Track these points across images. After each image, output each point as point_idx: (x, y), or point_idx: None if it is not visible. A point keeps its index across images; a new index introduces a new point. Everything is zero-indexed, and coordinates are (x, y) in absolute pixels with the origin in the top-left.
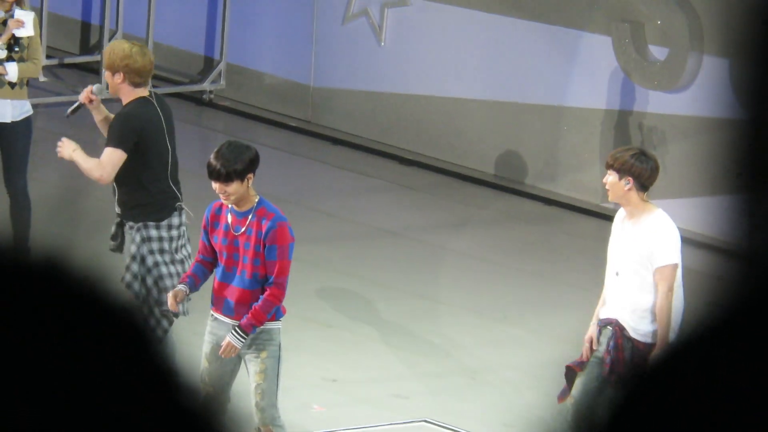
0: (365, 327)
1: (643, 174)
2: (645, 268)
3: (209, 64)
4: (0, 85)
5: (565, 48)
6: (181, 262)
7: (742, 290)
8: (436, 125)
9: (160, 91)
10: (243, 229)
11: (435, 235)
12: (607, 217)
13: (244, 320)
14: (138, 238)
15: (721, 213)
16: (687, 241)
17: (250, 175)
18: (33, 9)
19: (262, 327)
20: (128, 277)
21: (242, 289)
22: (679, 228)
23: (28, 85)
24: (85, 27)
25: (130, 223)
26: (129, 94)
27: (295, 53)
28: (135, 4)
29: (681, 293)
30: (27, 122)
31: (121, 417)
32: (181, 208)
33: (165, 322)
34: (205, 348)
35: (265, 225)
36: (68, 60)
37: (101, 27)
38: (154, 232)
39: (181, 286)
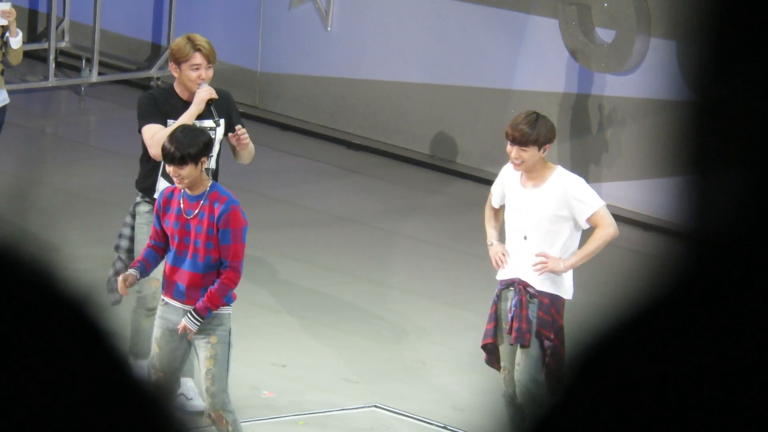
0: (315, 312)
1: (553, 136)
2: (559, 223)
3: (156, 50)
4: None
5: (511, 31)
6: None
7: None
8: (383, 109)
9: (108, 78)
10: (195, 213)
11: (385, 220)
12: None
13: (199, 303)
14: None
15: (669, 195)
16: (635, 223)
17: (204, 159)
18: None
19: (213, 313)
20: (123, 241)
21: (194, 273)
22: (626, 210)
23: (2, 74)
24: (33, 15)
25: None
26: None
27: (242, 39)
28: None
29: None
30: (2, 111)
31: (70, 406)
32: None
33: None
34: (156, 333)
35: (218, 209)
36: None
37: (48, 15)
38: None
39: (131, 271)
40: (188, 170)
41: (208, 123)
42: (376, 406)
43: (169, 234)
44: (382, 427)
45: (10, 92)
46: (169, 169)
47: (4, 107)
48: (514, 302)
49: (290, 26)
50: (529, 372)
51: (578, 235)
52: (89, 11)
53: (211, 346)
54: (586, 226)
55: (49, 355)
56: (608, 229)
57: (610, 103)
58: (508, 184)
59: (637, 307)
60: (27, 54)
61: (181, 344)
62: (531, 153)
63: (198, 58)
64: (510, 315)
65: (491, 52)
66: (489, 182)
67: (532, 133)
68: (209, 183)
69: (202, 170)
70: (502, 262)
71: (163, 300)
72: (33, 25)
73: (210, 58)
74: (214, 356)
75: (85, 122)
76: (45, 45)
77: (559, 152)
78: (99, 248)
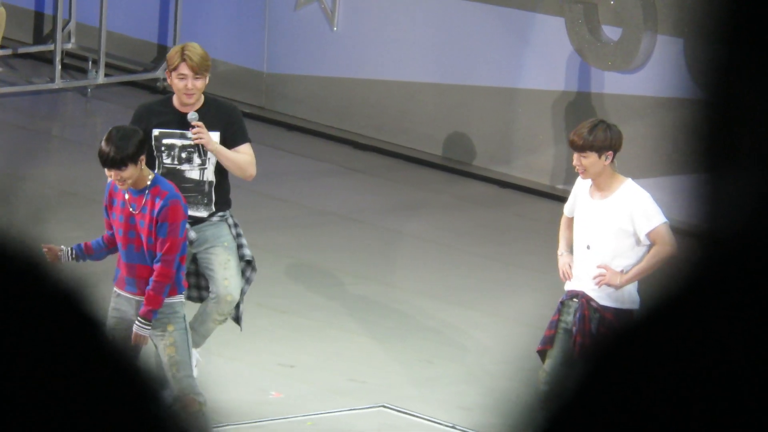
0: (321, 312)
1: (618, 143)
2: (622, 237)
3: (162, 52)
4: None
5: (517, 30)
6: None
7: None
8: (389, 109)
9: (114, 80)
10: (138, 208)
11: (389, 220)
12: (560, 199)
13: (141, 309)
14: (231, 222)
15: (676, 193)
16: None
17: (142, 157)
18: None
19: (167, 302)
20: (246, 261)
21: (141, 266)
22: None
23: None
24: (39, 17)
25: (220, 214)
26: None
27: (248, 40)
28: None
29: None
30: None
31: (64, 397)
32: None
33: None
34: (110, 323)
35: (159, 203)
36: (22, 50)
37: (54, 17)
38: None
39: (63, 247)
40: (129, 171)
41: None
42: (384, 406)
43: (114, 227)
44: (390, 428)
45: (15, 94)
46: (110, 173)
47: None
48: (578, 316)
49: (296, 27)
50: None
51: (642, 251)
52: (95, 13)
53: (169, 334)
54: (646, 242)
55: (42, 347)
56: (666, 247)
57: (617, 101)
58: (579, 194)
59: (650, 307)
60: (33, 56)
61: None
62: (591, 160)
63: (184, 68)
64: (574, 329)
65: (497, 50)
66: (495, 182)
67: (588, 138)
68: (151, 177)
69: (141, 168)
70: (568, 274)
71: (116, 291)
72: (39, 26)
73: (197, 69)
74: (174, 343)
75: (92, 124)
76: (51, 47)
77: (567, 151)
78: None
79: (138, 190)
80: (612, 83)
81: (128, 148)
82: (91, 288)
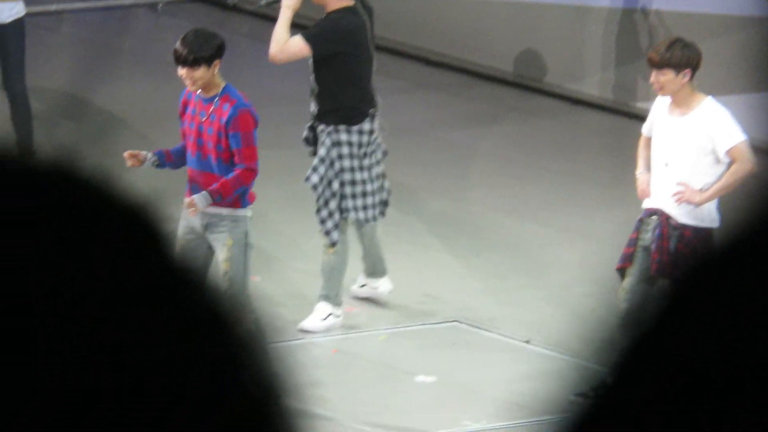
0: (396, 228)
1: (696, 61)
2: (701, 155)
3: None
4: None
5: None
6: (370, 168)
7: None
8: (462, 26)
9: None
10: (207, 115)
11: (461, 136)
12: (631, 116)
13: (212, 186)
14: (328, 142)
15: (754, 110)
16: None
17: (217, 62)
18: None
19: (228, 213)
20: (315, 178)
21: (207, 173)
22: None
23: None
24: None
25: (322, 126)
26: (333, 2)
27: None
28: None
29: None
30: (17, 24)
31: (129, 317)
32: (374, 114)
33: (335, 234)
34: (179, 231)
35: (227, 112)
36: None
37: None
38: (344, 137)
39: (145, 153)
40: (200, 72)
41: None
42: (457, 321)
43: (186, 135)
44: (464, 342)
45: (87, 10)
46: (182, 71)
47: (20, 20)
48: (656, 233)
49: None
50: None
51: (721, 168)
52: None
53: (227, 248)
54: (725, 159)
55: (107, 266)
56: (746, 164)
57: (685, 19)
58: (658, 112)
59: (730, 225)
60: None
61: (201, 242)
62: (668, 77)
63: None
64: (653, 246)
65: None
66: (567, 98)
67: (665, 55)
68: (222, 85)
69: (214, 73)
70: (646, 192)
71: (185, 200)
72: None
73: None
74: (230, 259)
75: (162, 40)
76: None
77: (638, 68)
78: None
79: (207, 98)
80: (687, 1)
81: (202, 50)
82: (159, 204)
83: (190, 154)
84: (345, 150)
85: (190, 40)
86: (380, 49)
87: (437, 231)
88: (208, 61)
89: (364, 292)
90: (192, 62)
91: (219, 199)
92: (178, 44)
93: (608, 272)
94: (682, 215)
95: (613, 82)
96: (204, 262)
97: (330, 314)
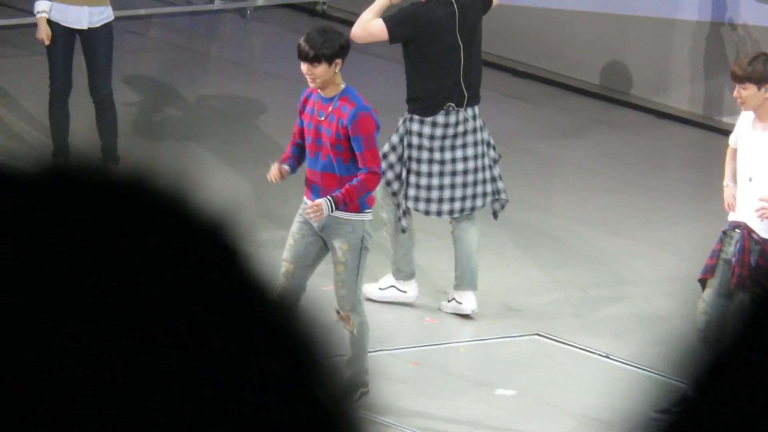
0: (480, 238)
1: None
2: None
3: None
4: None
5: None
6: (442, 162)
7: None
8: (549, 37)
9: (274, 2)
10: (326, 115)
11: (546, 147)
12: (716, 130)
13: (337, 193)
14: (402, 129)
15: None
16: None
17: (338, 61)
18: None
19: (347, 218)
20: (383, 165)
21: (326, 174)
22: None
23: None
24: None
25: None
26: None
27: None
28: None
29: None
30: (106, 28)
31: (205, 326)
32: (451, 108)
33: (404, 221)
34: (294, 227)
35: (346, 114)
36: None
37: None
38: (416, 126)
39: (284, 166)
40: (321, 70)
41: None
42: (538, 335)
43: (305, 134)
44: (544, 355)
45: (175, 14)
46: (303, 67)
47: (108, 25)
48: (738, 247)
49: None
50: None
51: None
52: None
53: (342, 252)
54: None
55: (186, 276)
56: None
57: None
58: (743, 125)
59: None
60: None
61: (315, 240)
62: (750, 92)
63: None
64: (734, 260)
65: None
66: (652, 111)
67: (747, 69)
68: (342, 86)
69: (335, 72)
70: (732, 206)
71: (304, 199)
72: None
73: None
74: (344, 263)
75: (250, 45)
76: None
77: (723, 82)
78: (245, 167)
79: (327, 98)
80: (766, 15)
81: (324, 47)
82: (234, 217)
83: (309, 154)
84: (415, 140)
85: (314, 36)
86: None
87: (520, 242)
88: (329, 59)
89: (450, 307)
90: (313, 58)
91: (344, 207)
92: (302, 40)
93: (690, 286)
94: (763, 230)
95: (699, 95)
96: (316, 259)
97: (391, 286)
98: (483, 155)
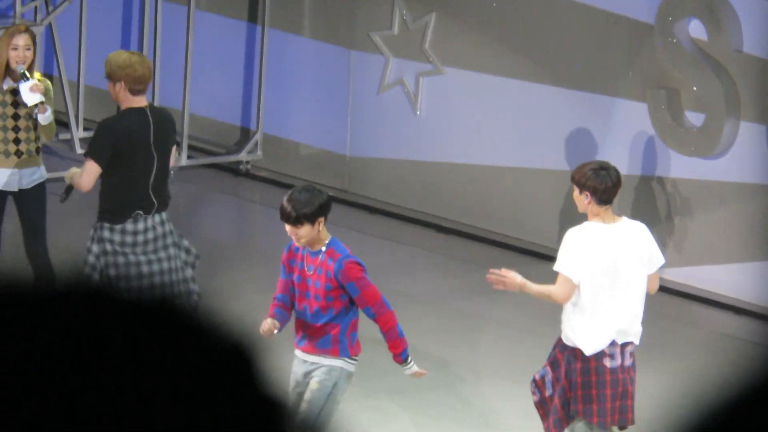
0: (402, 398)
1: (598, 188)
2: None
3: (245, 134)
4: (6, 155)
5: (599, 115)
6: (138, 264)
7: None
8: (472, 193)
9: (197, 162)
10: (314, 268)
11: (473, 304)
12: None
13: (395, 353)
14: (95, 237)
15: (760, 278)
16: (726, 307)
17: (321, 219)
18: (70, 82)
19: (326, 362)
20: (87, 268)
21: (313, 325)
22: (717, 294)
23: (38, 153)
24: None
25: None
26: (127, 101)
27: (331, 123)
28: (170, 76)
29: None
30: (37, 189)
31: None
32: (139, 216)
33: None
34: (290, 386)
35: (332, 266)
36: None
37: None
38: (107, 234)
39: (275, 322)
40: (305, 230)
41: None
42: None
43: (291, 286)
44: None
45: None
46: (287, 228)
47: (40, 185)
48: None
49: (379, 111)
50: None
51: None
52: (178, 96)
53: (310, 390)
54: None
55: (206, 397)
56: (552, 288)
57: (700, 187)
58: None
59: (729, 393)
60: None
61: (303, 385)
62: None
63: None
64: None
65: (579, 135)
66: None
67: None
68: (328, 240)
69: (319, 229)
70: None
71: (294, 351)
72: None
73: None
74: (309, 400)
75: (173, 206)
76: None
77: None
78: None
79: (314, 252)
80: (694, 169)
81: (306, 207)
82: (256, 341)
83: (297, 306)
84: (108, 247)
85: (296, 197)
86: (391, 215)
87: (449, 402)
88: (311, 219)
89: None
90: (295, 220)
91: (405, 355)
92: (284, 201)
93: None
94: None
95: None
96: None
97: None
98: (176, 257)
